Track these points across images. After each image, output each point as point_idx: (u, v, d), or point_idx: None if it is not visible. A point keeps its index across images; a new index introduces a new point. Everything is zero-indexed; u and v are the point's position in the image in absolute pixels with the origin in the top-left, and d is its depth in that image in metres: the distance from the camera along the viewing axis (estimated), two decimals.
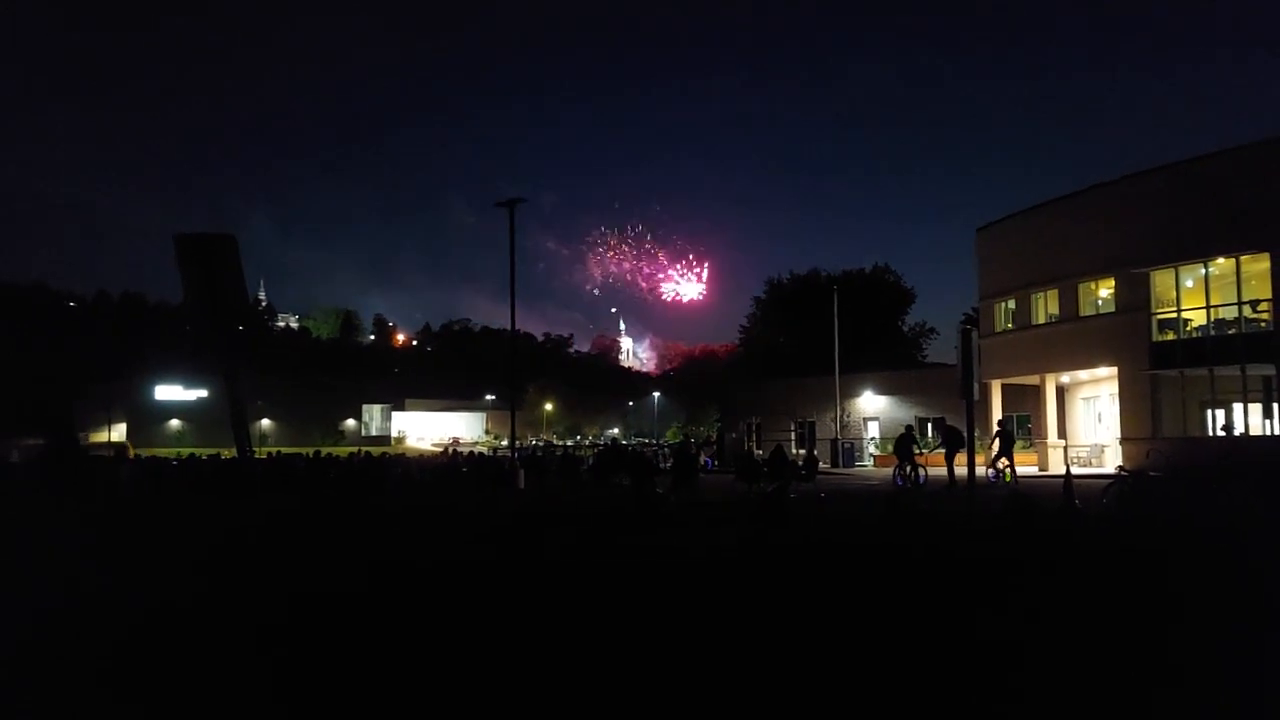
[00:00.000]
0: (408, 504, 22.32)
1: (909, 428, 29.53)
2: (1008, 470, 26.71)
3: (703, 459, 41.53)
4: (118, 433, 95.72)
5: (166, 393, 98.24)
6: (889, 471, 29.56)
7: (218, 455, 35.40)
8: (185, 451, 42.41)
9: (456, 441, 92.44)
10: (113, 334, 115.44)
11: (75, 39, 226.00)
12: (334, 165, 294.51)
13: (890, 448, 35.64)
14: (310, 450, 40.79)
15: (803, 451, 43.48)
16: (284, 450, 47.36)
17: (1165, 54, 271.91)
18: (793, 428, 51.58)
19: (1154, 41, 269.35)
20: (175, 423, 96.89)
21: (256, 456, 34.28)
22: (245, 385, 9.96)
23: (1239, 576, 9.28)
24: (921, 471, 26.05)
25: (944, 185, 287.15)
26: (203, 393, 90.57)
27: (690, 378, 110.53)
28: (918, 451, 26.78)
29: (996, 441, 28.72)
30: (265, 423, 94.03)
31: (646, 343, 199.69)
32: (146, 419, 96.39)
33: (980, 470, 26.71)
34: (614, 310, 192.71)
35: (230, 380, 9.45)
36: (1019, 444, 40.45)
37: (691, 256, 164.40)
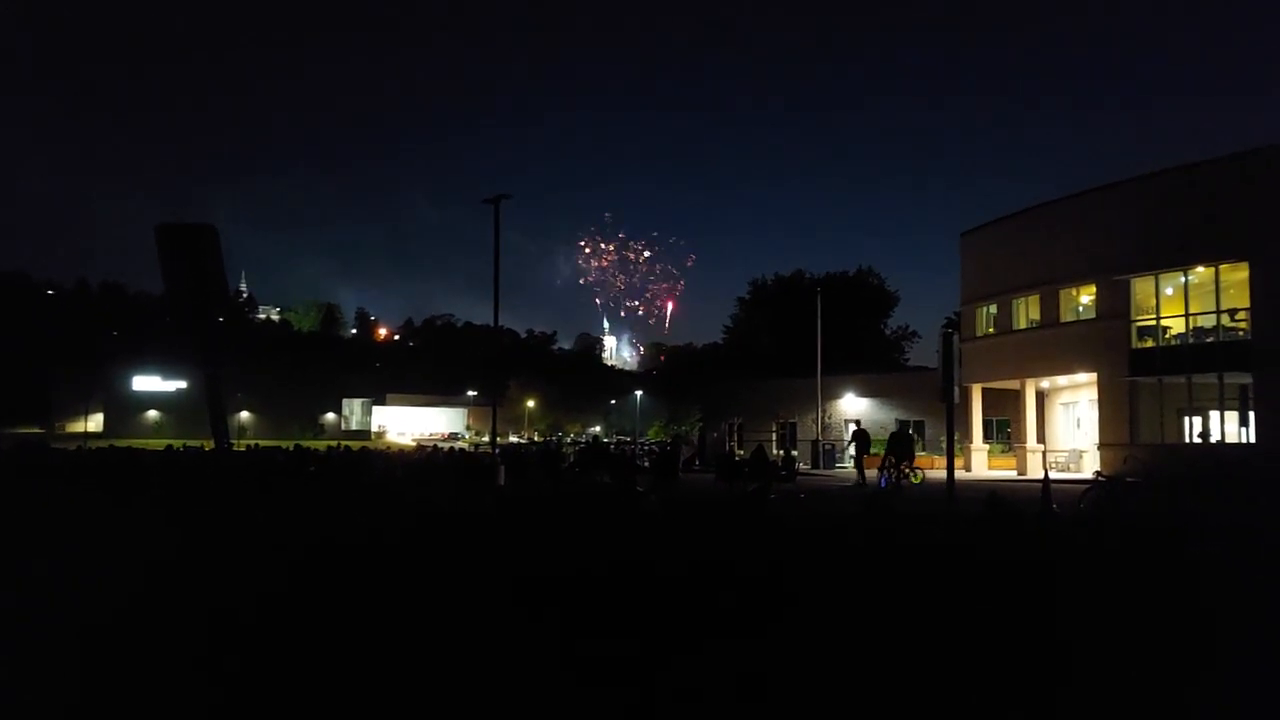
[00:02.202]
0: (382, 501, 22.20)
1: (902, 424, 29.73)
2: (913, 473, 26.29)
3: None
4: (94, 423, 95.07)
5: (145, 383, 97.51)
6: (870, 473, 29.74)
7: (199, 447, 35.09)
8: (162, 443, 42.04)
9: (453, 437, 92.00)
10: (91, 324, 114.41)
11: (57, 35, 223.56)
12: (307, 161, 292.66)
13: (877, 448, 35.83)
14: (290, 443, 40.59)
15: (782, 452, 43.65)
16: (262, 443, 47.12)
17: (1152, 62, 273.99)
18: (774, 428, 51.71)
19: (1141, 50, 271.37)
20: (153, 414, 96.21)
21: (235, 448, 34.12)
22: (225, 377, 9.81)
23: (1204, 578, 9.39)
24: (897, 474, 26.33)
25: (929, 190, 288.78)
26: (182, 384, 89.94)
27: (673, 377, 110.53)
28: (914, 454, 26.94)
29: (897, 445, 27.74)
30: (244, 415, 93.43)
31: (626, 338, 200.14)
32: (124, 410, 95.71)
33: (870, 473, 28.06)
34: (590, 297, 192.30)
35: (210, 371, 9.37)
36: (999, 448, 40.96)
37: (669, 265, 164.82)
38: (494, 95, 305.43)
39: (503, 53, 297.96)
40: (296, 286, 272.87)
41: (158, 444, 42.40)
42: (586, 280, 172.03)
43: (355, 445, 47.26)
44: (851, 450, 30.74)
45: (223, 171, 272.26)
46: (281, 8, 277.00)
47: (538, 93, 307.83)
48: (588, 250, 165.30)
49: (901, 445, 26.36)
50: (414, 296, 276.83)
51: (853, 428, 31.39)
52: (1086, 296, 33.45)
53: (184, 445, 35.30)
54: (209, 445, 32.00)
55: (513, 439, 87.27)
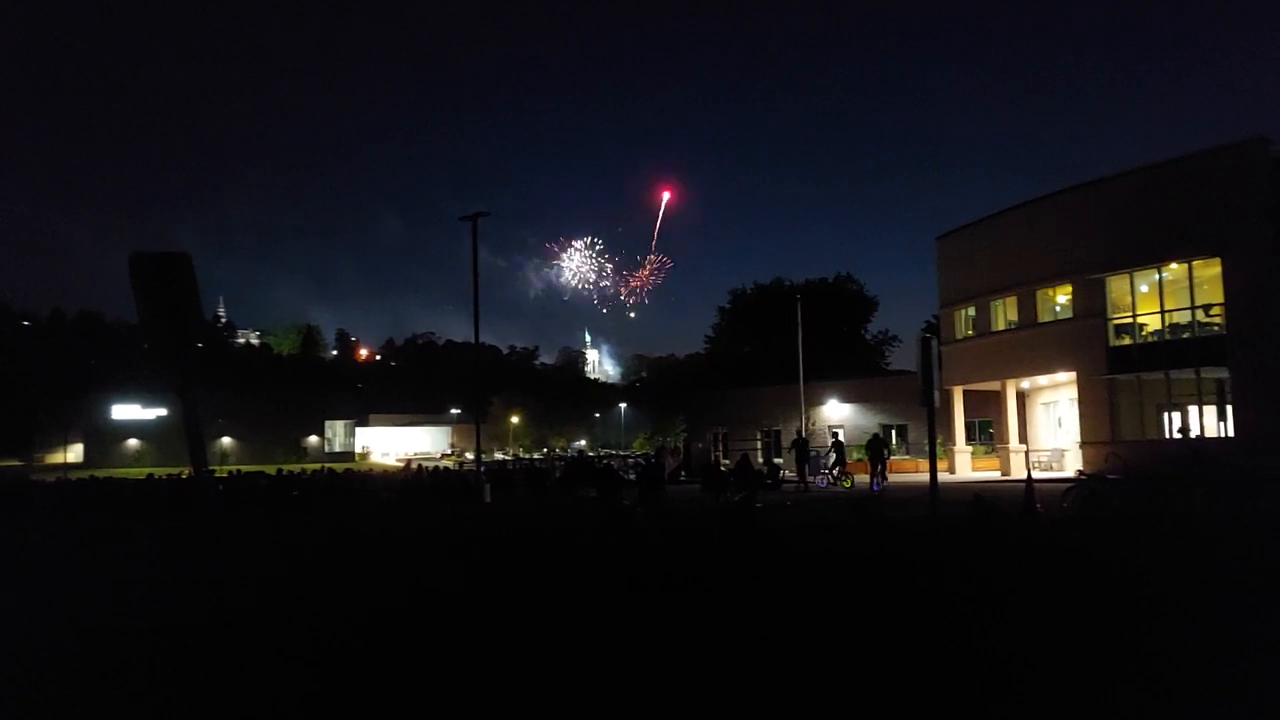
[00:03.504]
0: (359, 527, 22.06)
1: (882, 429, 31.15)
2: (846, 479, 29.86)
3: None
4: (75, 453, 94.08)
5: (124, 412, 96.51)
6: (855, 479, 30.15)
7: (177, 475, 34.76)
8: (143, 472, 41.65)
9: (452, 454, 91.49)
10: (69, 353, 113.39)
11: (24, 60, 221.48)
12: (271, 183, 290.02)
13: (860, 454, 36.73)
14: (274, 468, 40.35)
15: (763, 461, 43.71)
16: (245, 468, 46.75)
17: (1124, 66, 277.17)
18: (759, 437, 51.79)
19: (1114, 53, 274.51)
20: (134, 442, 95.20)
21: (216, 475, 33.80)
22: (202, 402, 9.72)
23: (1183, 574, 9.45)
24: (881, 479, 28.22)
25: (905, 194, 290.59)
26: (162, 411, 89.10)
27: (656, 389, 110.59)
28: (888, 455, 28.42)
29: (833, 453, 31.46)
30: (226, 440, 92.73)
31: (604, 350, 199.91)
32: (104, 439, 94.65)
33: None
34: (576, 306, 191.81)
35: (185, 398, 9.30)
36: (982, 449, 41.17)
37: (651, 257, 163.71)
38: (455, 110, 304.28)
39: (462, 66, 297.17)
40: (268, 310, 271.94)
41: (139, 473, 42.04)
42: (559, 284, 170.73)
43: (339, 467, 46.99)
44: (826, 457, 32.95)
45: (188, 195, 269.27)
46: (243, 32, 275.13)
47: (499, 105, 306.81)
48: (568, 251, 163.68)
49: (876, 449, 28.99)
50: (386, 315, 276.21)
51: (793, 438, 33.75)
52: (1063, 296, 33.70)
53: (166, 474, 35.03)
54: (187, 473, 31.76)
55: (498, 456, 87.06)
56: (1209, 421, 30.11)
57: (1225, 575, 9.36)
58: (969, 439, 40.90)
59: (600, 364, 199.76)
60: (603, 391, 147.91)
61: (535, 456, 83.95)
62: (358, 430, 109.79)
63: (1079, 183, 33.22)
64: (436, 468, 46.23)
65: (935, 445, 17.67)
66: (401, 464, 61.59)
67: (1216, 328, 28.93)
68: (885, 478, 28.94)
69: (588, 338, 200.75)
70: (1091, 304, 31.78)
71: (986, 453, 40.64)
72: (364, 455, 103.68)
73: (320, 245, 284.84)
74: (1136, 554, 11.30)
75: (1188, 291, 29.47)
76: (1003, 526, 14.59)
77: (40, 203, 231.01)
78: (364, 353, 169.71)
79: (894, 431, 47.41)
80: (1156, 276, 30.45)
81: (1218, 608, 7.78)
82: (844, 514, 18.23)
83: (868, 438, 31.40)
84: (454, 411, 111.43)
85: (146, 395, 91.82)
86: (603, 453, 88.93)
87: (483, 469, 32.89)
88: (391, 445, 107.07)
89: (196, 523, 17.97)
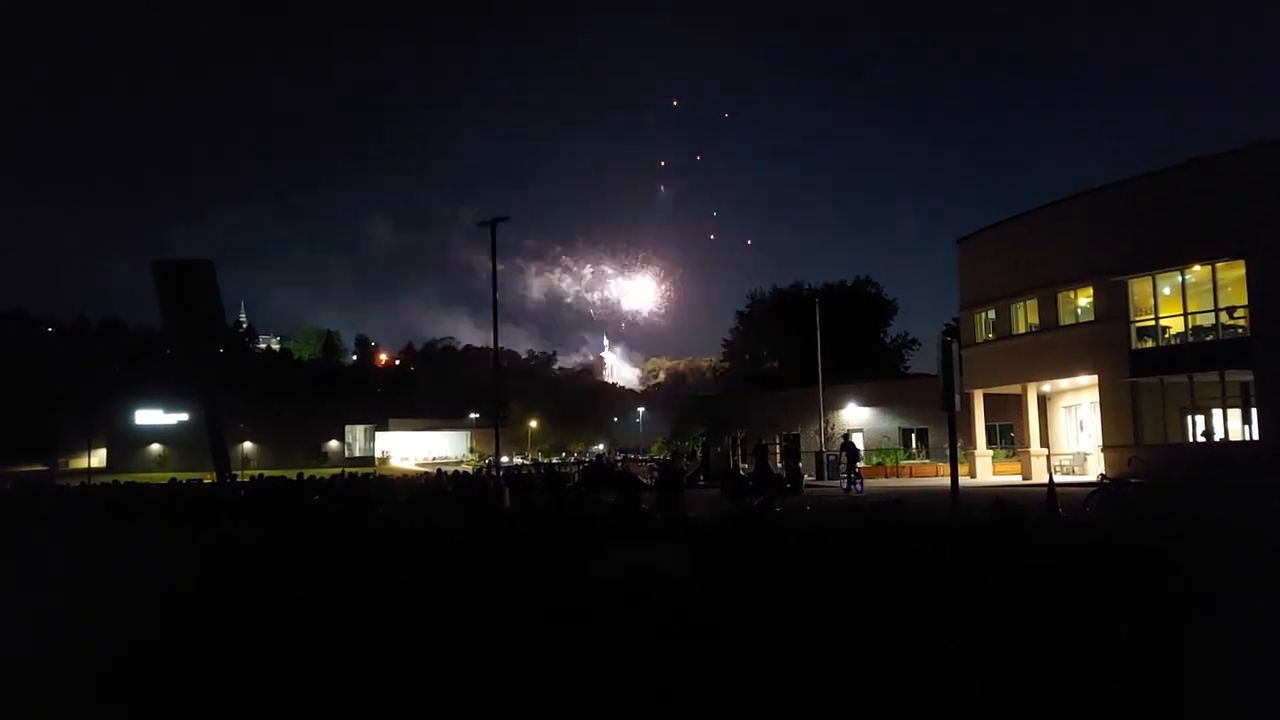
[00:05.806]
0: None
1: (846, 435, 35.44)
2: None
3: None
4: (98, 458, 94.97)
5: (147, 417, 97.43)
6: (873, 483, 30.39)
7: (199, 480, 35.06)
8: (166, 476, 41.95)
9: (483, 459, 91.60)
10: (92, 359, 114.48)
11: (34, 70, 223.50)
12: (264, 191, 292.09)
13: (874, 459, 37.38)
14: (294, 473, 40.53)
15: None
16: (266, 472, 47.03)
17: (1145, 69, 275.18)
18: (777, 440, 51.61)
19: (1135, 57, 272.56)
20: (156, 447, 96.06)
21: (239, 480, 34.04)
22: (224, 408, 9.78)
23: (1207, 578, 9.35)
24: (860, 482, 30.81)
25: (925, 197, 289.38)
26: (184, 416, 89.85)
27: (675, 392, 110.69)
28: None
29: (753, 459, 33.11)
30: (248, 445, 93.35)
31: (618, 353, 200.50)
32: (127, 444, 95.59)
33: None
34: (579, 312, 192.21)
35: (208, 403, 9.37)
36: (1003, 453, 40.91)
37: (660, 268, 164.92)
38: (454, 114, 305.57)
39: (459, 70, 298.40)
40: (283, 316, 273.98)
41: (161, 477, 42.35)
42: (578, 289, 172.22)
43: (360, 472, 47.24)
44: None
45: (203, 205, 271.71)
46: (256, 34, 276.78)
47: (499, 110, 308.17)
48: (583, 258, 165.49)
49: (851, 451, 31.96)
50: (403, 322, 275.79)
51: (755, 443, 35.58)
52: (1084, 299, 33.46)
53: (188, 479, 35.32)
54: (209, 478, 32.04)
55: (518, 460, 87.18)
56: (1233, 425, 29.83)
57: (1245, 578, 9.25)
58: (989, 443, 40.66)
59: (618, 368, 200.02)
60: (621, 395, 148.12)
61: (554, 460, 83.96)
62: (378, 435, 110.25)
63: (1100, 185, 33.00)
64: (456, 472, 46.41)
65: (956, 449, 17.58)
66: (420, 470, 61.84)
67: (1241, 330, 28.64)
68: (860, 479, 30.91)
69: (605, 341, 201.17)
70: (1113, 306, 31.53)
71: (1007, 456, 40.37)
72: (384, 460, 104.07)
73: (317, 252, 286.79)
74: (1160, 557, 11.19)
75: (1211, 293, 29.20)
76: (1025, 530, 14.47)
77: (63, 213, 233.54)
78: (383, 358, 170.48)
79: (914, 435, 47.26)
80: (1179, 278, 30.19)
81: (1236, 609, 7.70)
82: (861, 518, 18.16)
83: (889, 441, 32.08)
84: (473, 416, 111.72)
85: (168, 401, 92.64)
86: (620, 456, 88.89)
87: (501, 473, 33.00)
88: (411, 450, 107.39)
89: (217, 529, 18.07)
